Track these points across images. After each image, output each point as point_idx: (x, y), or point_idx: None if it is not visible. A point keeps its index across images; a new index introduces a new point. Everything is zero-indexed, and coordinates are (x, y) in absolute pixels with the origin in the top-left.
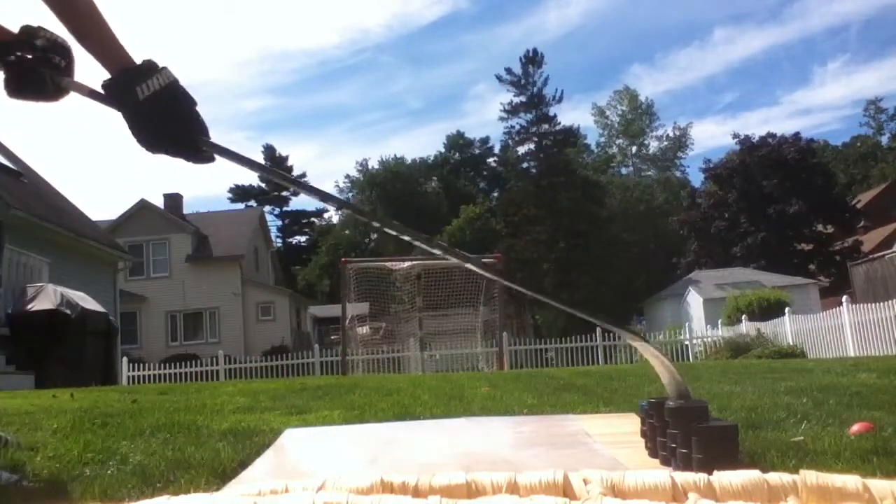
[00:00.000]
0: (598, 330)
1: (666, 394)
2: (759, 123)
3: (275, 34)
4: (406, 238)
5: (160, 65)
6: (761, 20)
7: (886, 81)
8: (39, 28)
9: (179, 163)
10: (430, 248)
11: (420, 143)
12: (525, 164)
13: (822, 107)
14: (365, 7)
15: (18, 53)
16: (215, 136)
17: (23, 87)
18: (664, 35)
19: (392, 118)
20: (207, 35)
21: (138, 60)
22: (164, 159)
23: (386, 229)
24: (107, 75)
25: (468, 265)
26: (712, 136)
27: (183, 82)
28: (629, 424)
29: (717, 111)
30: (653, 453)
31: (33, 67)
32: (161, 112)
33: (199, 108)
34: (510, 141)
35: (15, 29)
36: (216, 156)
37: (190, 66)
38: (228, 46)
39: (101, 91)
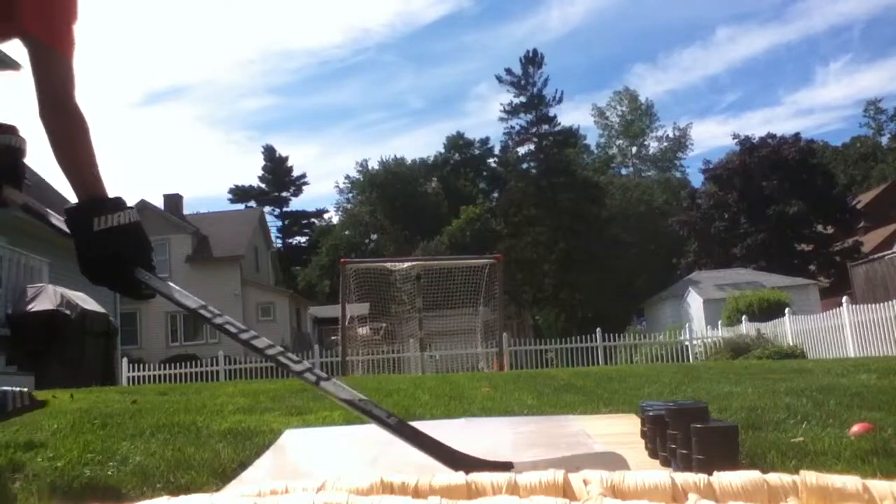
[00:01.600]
0: (599, 330)
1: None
2: (761, 123)
3: (277, 33)
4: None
5: (129, 205)
6: (764, 20)
7: (889, 81)
8: (8, 136)
9: (181, 163)
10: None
11: (421, 144)
12: (525, 165)
13: (824, 107)
14: (367, 6)
15: None
16: (217, 136)
17: None
18: (667, 34)
19: (393, 118)
20: (209, 35)
21: (111, 195)
22: (166, 164)
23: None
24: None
25: None
26: (714, 137)
27: (184, 82)
28: (629, 425)
29: (719, 111)
30: (653, 454)
31: None
32: (109, 247)
33: (153, 253)
34: (510, 141)
35: None
36: (157, 293)
37: (191, 66)
38: (230, 46)
39: (62, 216)
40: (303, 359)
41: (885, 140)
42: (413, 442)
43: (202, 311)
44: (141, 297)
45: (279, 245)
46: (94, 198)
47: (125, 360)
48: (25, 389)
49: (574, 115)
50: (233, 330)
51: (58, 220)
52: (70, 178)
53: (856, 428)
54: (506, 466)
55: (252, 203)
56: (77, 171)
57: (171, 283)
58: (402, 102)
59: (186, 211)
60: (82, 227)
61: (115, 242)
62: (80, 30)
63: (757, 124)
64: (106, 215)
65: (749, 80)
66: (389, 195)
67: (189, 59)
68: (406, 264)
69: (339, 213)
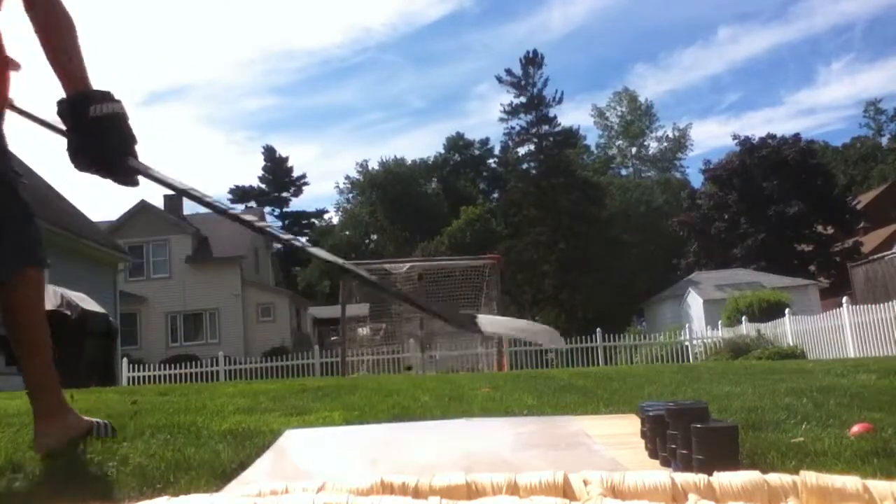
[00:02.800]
0: (599, 331)
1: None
2: (762, 123)
3: (278, 33)
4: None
5: (116, 97)
6: (765, 19)
7: (891, 81)
8: None
9: (182, 163)
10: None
11: (422, 144)
12: (525, 165)
13: (825, 107)
14: (368, 6)
15: None
16: (218, 137)
17: None
18: (668, 34)
19: (394, 118)
20: (210, 35)
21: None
22: (167, 164)
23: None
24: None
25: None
26: (715, 137)
27: (184, 82)
28: (629, 425)
29: (720, 111)
30: (653, 454)
31: None
32: (103, 133)
33: (138, 148)
34: (510, 142)
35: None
36: (142, 178)
37: (192, 66)
38: (231, 46)
39: (56, 106)
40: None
41: (885, 140)
42: (392, 294)
43: (191, 192)
44: (130, 182)
45: (279, 245)
46: (84, 90)
47: (125, 360)
48: (109, 422)
49: (575, 115)
50: (221, 206)
51: (49, 117)
52: (59, 70)
53: (856, 428)
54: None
55: (252, 203)
56: (66, 63)
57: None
58: (403, 102)
59: (187, 211)
60: (76, 115)
61: (109, 129)
62: None
63: (758, 124)
64: (100, 104)
65: (750, 80)
66: (389, 196)
67: (190, 60)
68: (405, 266)
69: (339, 213)
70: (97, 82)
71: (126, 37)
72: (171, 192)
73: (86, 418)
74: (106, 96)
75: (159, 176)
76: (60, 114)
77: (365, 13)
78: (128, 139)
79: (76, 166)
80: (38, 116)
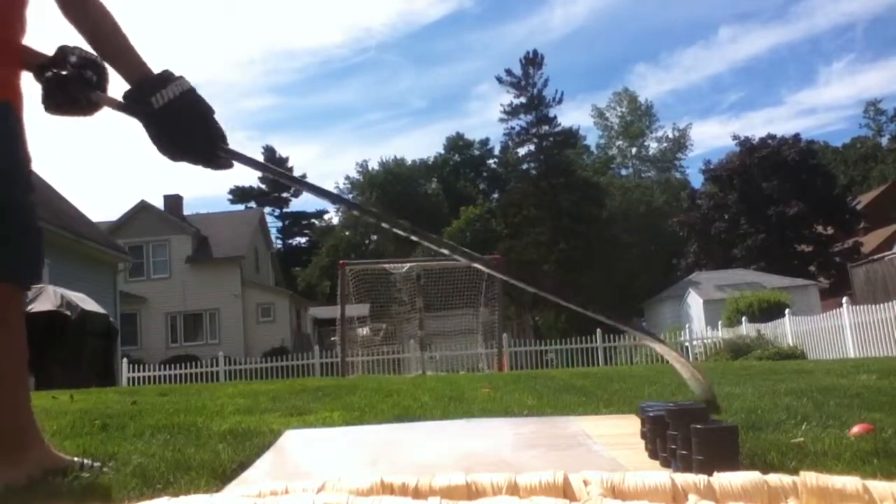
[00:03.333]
0: (599, 331)
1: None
2: (764, 123)
3: (278, 33)
4: (415, 238)
5: (176, 74)
6: (766, 19)
7: (892, 81)
8: (74, 47)
9: (181, 164)
10: (439, 248)
11: (423, 144)
12: (525, 166)
13: (826, 107)
14: (369, 5)
15: (54, 70)
16: None
17: (58, 102)
18: (669, 34)
19: (395, 118)
20: (211, 34)
21: (157, 71)
22: (172, 163)
23: (396, 230)
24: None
25: (476, 265)
26: (716, 137)
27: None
28: (629, 426)
29: (721, 111)
30: (653, 455)
31: (65, 83)
32: (176, 120)
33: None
34: (510, 142)
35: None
36: (234, 162)
37: (193, 65)
38: (232, 45)
39: (123, 101)
40: None
41: (885, 141)
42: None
43: (295, 177)
44: (220, 165)
45: (279, 246)
46: (142, 78)
47: (125, 360)
48: (96, 463)
49: (576, 115)
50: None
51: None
52: (116, 66)
53: (856, 429)
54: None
55: (252, 204)
56: (119, 57)
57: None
58: (404, 102)
59: (186, 211)
60: (143, 109)
61: (178, 115)
62: None
63: (759, 124)
64: (160, 91)
65: (751, 80)
66: (389, 196)
67: (189, 59)
68: (405, 266)
69: (340, 213)
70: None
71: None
72: (261, 172)
73: (61, 455)
74: (164, 79)
75: (248, 157)
76: (128, 109)
77: (365, 13)
78: (200, 119)
79: (167, 157)
80: (120, 104)
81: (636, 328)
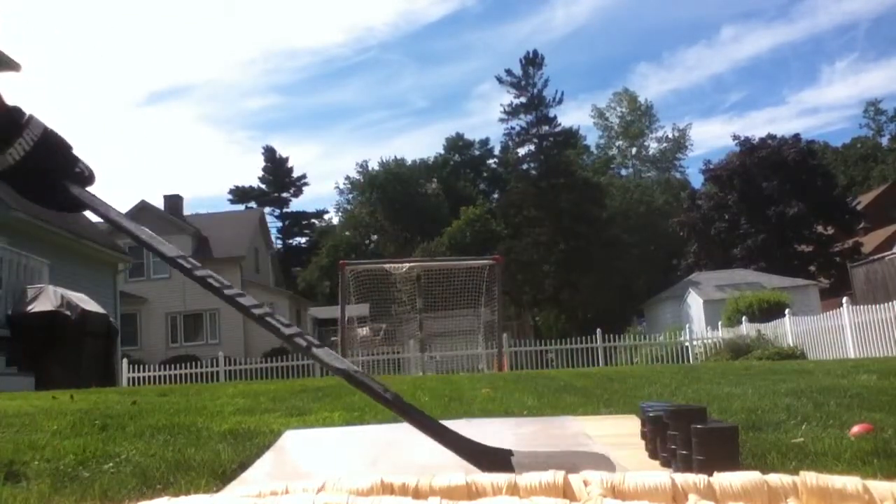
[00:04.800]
0: (599, 331)
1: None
2: (766, 123)
3: (280, 33)
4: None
5: (25, 117)
6: (769, 18)
7: (894, 80)
8: None
9: (182, 163)
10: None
11: (424, 144)
12: (525, 166)
13: (829, 106)
14: (371, 5)
15: None
16: (219, 137)
17: None
18: (671, 33)
19: (396, 117)
20: (212, 34)
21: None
22: (167, 164)
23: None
24: None
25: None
26: (718, 136)
27: (186, 82)
28: (629, 426)
29: (723, 110)
30: (653, 455)
31: None
32: (22, 181)
33: (76, 152)
34: (510, 142)
35: None
36: (88, 206)
37: (193, 66)
38: (233, 45)
39: None
40: (293, 323)
41: (885, 141)
42: (413, 419)
43: (128, 227)
44: (75, 210)
45: (279, 246)
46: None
47: (125, 360)
48: None
49: (577, 114)
50: (215, 285)
51: None
52: None
53: (856, 429)
54: (506, 454)
55: (252, 204)
56: None
57: (109, 204)
58: (406, 101)
59: (187, 211)
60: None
61: (32, 168)
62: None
63: (761, 123)
64: (13, 146)
65: (753, 80)
66: (389, 196)
67: (191, 59)
68: (405, 266)
69: (340, 213)
70: (99, 82)
71: (126, 36)
72: (106, 222)
73: None
74: (13, 123)
75: (101, 208)
76: None
77: (367, 12)
78: (51, 170)
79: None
80: None
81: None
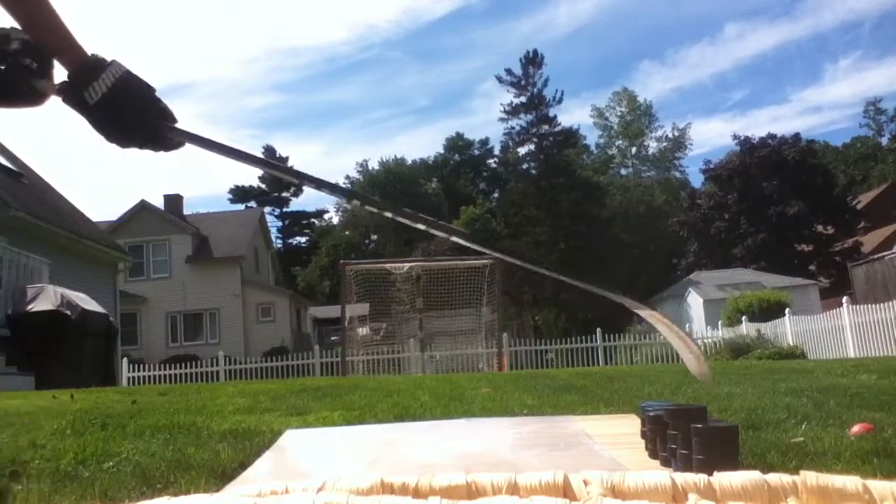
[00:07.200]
0: (599, 331)
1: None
2: (768, 121)
3: (282, 30)
4: (419, 225)
5: (108, 59)
6: (773, 16)
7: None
8: (11, 29)
9: (182, 162)
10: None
11: (426, 142)
12: (525, 165)
13: (832, 105)
14: (373, 2)
15: None
16: (220, 135)
17: (2, 97)
18: (675, 31)
19: (399, 115)
20: (213, 32)
21: (89, 52)
22: (167, 164)
23: (399, 218)
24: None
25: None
26: (721, 135)
27: (187, 80)
28: (629, 425)
29: (726, 108)
30: (653, 454)
31: (8, 75)
32: (116, 111)
33: (160, 95)
34: (510, 142)
35: None
36: (186, 142)
37: (195, 64)
38: (235, 43)
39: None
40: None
41: (885, 140)
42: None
43: (240, 152)
44: (171, 146)
45: (279, 245)
46: (74, 67)
47: (125, 360)
48: None
49: (579, 113)
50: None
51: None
52: (51, 50)
53: (856, 428)
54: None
55: (252, 203)
56: (55, 40)
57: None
58: (408, 99)
59: (187, 211)
60: (80, 107)
61: (115, 106)
62: None
63: (764, 122)
64: (92, 85)
65: (757, 78)
66: (389, 196)
67: (193, 57)
68: (406, 266)
69: (340, 213)
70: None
71: (127, 34)
72: (217, 153)
73: None
74: (98, 65)
75: (201, 137)
76: (65, 101)
77: (370, 10)
78: (140, 103)
79: (118, 146)
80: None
81: (628, 300)
